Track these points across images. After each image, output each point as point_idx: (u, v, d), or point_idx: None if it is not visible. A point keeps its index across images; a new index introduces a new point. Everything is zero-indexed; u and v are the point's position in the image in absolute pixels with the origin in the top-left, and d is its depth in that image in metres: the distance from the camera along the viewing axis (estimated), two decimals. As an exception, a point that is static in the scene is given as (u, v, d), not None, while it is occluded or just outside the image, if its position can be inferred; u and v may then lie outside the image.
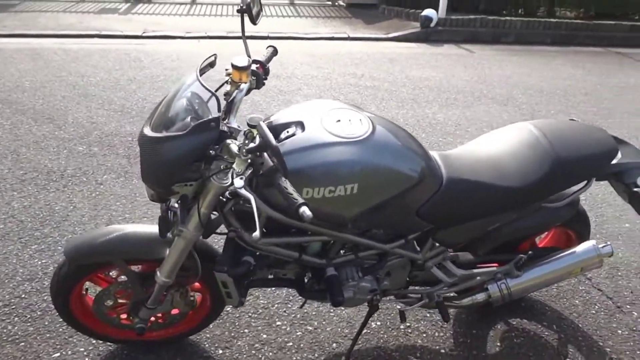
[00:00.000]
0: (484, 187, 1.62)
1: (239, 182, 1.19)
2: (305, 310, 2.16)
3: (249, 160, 1.24)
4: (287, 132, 1.44)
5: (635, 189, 1.70)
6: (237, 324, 2.08)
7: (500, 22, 7.80)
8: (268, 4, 9.60)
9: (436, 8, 7.67)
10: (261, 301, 2.20)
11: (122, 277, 1.68)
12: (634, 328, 2.17)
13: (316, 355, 1.95)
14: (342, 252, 1.69)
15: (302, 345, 1.99)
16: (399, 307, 1.90)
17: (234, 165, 1.25)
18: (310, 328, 2.08)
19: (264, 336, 2.03)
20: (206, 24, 7.67)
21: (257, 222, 1.16)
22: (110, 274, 1.75)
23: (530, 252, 1.84)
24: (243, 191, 1.19)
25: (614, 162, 1.72)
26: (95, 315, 1.73)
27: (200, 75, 1.38)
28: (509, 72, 6.03)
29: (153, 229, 1.63)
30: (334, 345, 2.00)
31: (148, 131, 1.35)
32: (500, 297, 1.86)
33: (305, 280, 1.78)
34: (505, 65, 6.35)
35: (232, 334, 2.02)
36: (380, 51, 6.71)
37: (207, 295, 1.81)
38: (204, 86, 1.34)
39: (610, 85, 5.66)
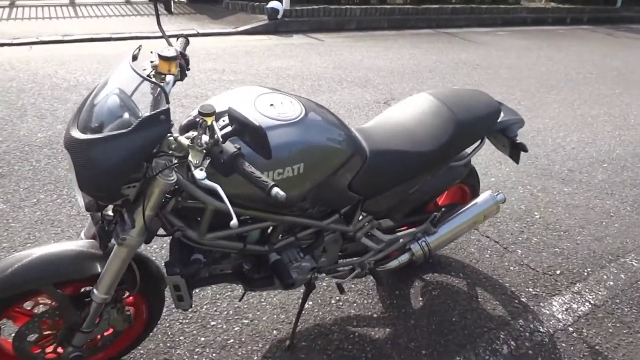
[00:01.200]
0: (403, 155, 1.76)
1: (200, 174, 1.14)
2: (237, 305, 2.12)
3: (204, 151, 1.18)
4: (223, 121, 1.40)
5: (518, 141, 1.98)
6: (169, 333, 1.96)
7: (341, 11, 8.24)
8: (103, 4, 8.91)
9: (281, 0, 7.84)
10: (188, 306, 2.11)
11: (45, 306, 1.49)
12: (521, 263, 2.52)
13: (260, 345, 1.93)
14: (280, 236, 1.70)
15: (243, 339, 1.96)
16: (335, 281, 1.96)
17: (190, 158, 1.18)
18: (247, 321, 2.05)
19: (202, 339, 1.95)
20: (33, 28, 6.87)
21: (231, 209, 1.12)
22: (26, 306, 1.53)
23: (443, 209, 2.04)
24: (207, 182, 1.14)
25: (499, 120, 1.98)
26: (17, 356, 1.51)
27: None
28: (360, 56, 6.43)
29: (75, 245, 1.47)
30: (275, 332, 2.00)
31: (78, 134, 1.21)
32: (422, 255, 2.03)
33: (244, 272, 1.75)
34: (354, 50, 6.76)
35: (168, 345, 1.91)
36: (234, 45, 6.68)
37: (143, 307, 1.68)
38: (144, 78, 1.24)
39: (447, 62, 6.37)
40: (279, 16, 7.73)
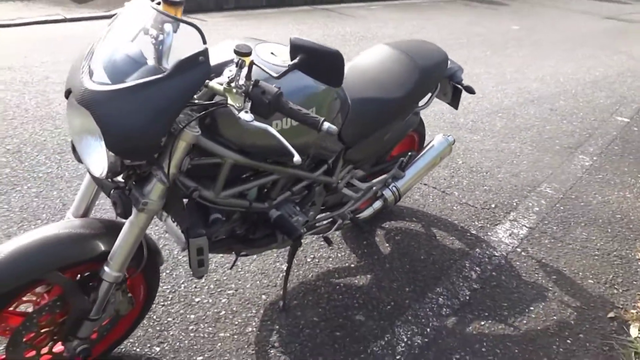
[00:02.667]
0: (380, 102, 1.83)
1: (248, 116, 1.09)
2: (215, 278, 2.05)
3: (244, 93, 1.13)
4: (230, 70, 1.34)
5: (466, 85, 2.16)
6: (154, 317, 1.85)
7: (219, -10, 8.03)
8: None
9: (152, -20, 7.40)
10: (165, 287, 1.99)
11: (48, 296, 1.33)
12: (461, 202, 2.76)
13: (254, 311, 1.91)
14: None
15: (234, 309, 1.91)
16: (322, 235, 1.99)
17: (229, 102, 1.12)
18: (231, 292, 2.00)
19: (192, 316, 1.87)
20: None
21: (289, 148, 1.10)
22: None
23: (409, 153, 2.16)
24: (256, 123, 1.10)
25: (448, 66, 2.14)
26: None
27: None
28: (249, 34, 6.34)
29: (70, 226, 1.32)
30: (263, 297, 1.98)
31: (98, 85, 1.09)
32: (394, 199, 2.13)
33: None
34: (242, 29, 6.65)
35: (158, 329, 1.80)
36: (112, 29, 6.18)
37: (141, 288, 1.57)
38: (175, 18, 1.15)
39: (335, 35, 6.55)
40: (154, -2, 7.32)
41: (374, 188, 2.10)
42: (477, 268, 2.23)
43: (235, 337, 1.79)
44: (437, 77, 2.07)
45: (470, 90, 2.15)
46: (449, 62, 2.15)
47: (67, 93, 1.21)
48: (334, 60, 1.16)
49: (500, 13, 9.36)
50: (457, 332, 1.88)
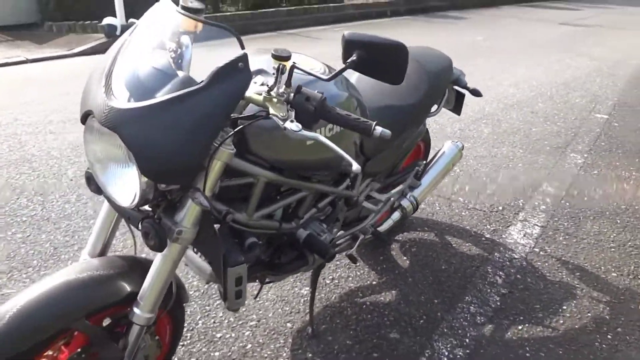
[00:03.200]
0: (397, 109, 1.77)
1: (294, 126, 1.00)
2: (232, 314, 1.92)
3: (285, 102, 1.04)
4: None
5: (473, 88, 2.12)
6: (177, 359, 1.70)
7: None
8: None
9: (113, 16, 7.28)
10: (182, 325, 1.85)
11: (68, 349, 1.18)
12: (468, 207, 2.71)
13: (282, 341, 1.78)
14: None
15: (260, 340, 1.78)
16: (345, 253, 1.88)
17: (272, 112, 1.03)
18: (254, 323, 1.87)
19: (216, 354, 1.72)
20: None
21: (346, 156, 1.01)
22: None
23: (423, 162, 2.09)
24: (305, 132, 1.01)
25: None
26: None
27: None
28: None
29: (90, 267, 1.18)
30: (289, 325, 1.86)
31: (126, 103, 0.98)
32: (412, 209, 2.06)
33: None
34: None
35: (182, 370, 1.65)
36: (78, 68, 6.01)
37: (167, 329, 1.43)
38: (210, 23, 1.05)
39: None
40: (118, 32, 7.17)
41: (392, 199, 2.03)
42: (500, 272, 2.16)
43: (268, 370, 1.66)
44: (446, 83, 2.03)
45: (476, 93, 2.12)
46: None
47: (85, 117, 1.09)
48: (399, 53, 1.09)
49: (463, 26, 9.60)
50: (497, 339, 1.80)
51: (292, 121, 1.01)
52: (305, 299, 1.98)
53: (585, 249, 2.35)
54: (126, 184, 1.03)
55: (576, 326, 1.87)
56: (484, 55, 6.75)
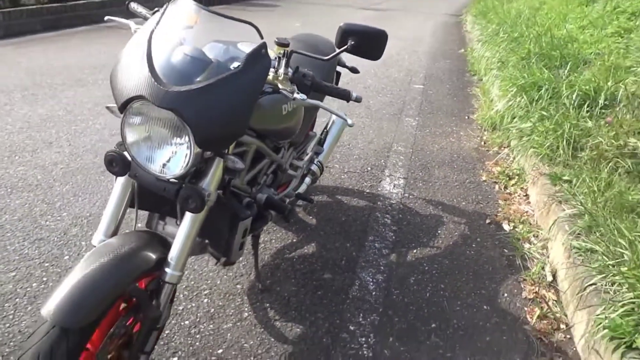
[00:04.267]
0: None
1: (302, 95, 1.32)
2: (185, 286, 2.10)
3: (289, 79, 1.35)
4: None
5: (352, 66, 2.56)
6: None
7: (-20, 18, 7.03)
8: None
9: None
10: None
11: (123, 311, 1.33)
12: (344, 171, 3.22)
13: (239, 300, 2.04)
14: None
15: (220, 303, 2.01)
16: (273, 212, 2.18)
17: (280, 87, 1.33)
18: (207, 291, 2.08)
19: (187, 322, 1.92)
20: None
21: (342, 115, 1.35)
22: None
23: (324, 129, 2.50)
24: (311, 100, 1.34)
25: None
26: None
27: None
28: (43, 60, 5.80)
29: (118, 243, 1.33)
30: (239, 286, 2.12)
31: (176, 87, 1.17)
32: (320, 172, 2.45)
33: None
34: (32, 56, 6.02)
35: (163, 343, 1.82)
36: None
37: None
38: (232, 18, 1.28)
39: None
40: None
41: (306, 165, 2.40)
42: (387, 215, 2.70)
43: (238, 324, 1.92)
44: (336, 62, 2.45)
45: (354, 70, 2.57)
46: None
47: (126, 103, 1.24)
48: (381, 37, 1.45)
49: (280, 13, 10.18)
50: (402, 262, 2.32)
51: (298, 93, 1.33)
52: (243, 263, 2.26)
53: (439, 189, 3.03)
54: (176, 156, 1.23)
55: (451, 243, 2.49)
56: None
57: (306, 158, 2.39)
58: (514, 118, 3.63)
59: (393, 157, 3.46)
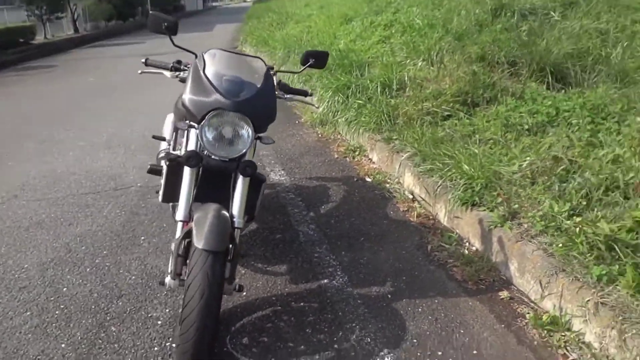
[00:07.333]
0: None
1: (287, 95, 2.20)
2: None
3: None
4: None
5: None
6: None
7: None
8: None
9: None
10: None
11: None
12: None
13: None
14: None
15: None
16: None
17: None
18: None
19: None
20: None
21: (313, 102, 2.22)
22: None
23: None
24: (288, 96, 2.22)
25: None
26: None
27: None
28: None
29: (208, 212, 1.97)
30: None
31: (237, 97, 1.94)
32: None
33: None
34: None
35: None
36: None
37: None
38: (244, 54, 2.02)
39: None
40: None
41: None
42: (289, 193, 3.59)
43: (242, 277, 2.59)
44: None
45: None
46: None
47: (204, 115, 1.93)
48: (325, 55, 2.33)
49: (65, 72, 10.00)
50: (319, 215, 3.24)
51: (283, 94, 2.18)
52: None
53: (311, 169, 4.03)
54: (241, 140, 1.96)
55: (342, 196, 3.51)
56: (118, 89, 7.70)
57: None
58: (337, 112, 4.86)
59: (264, 158, 4.34)
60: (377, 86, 4.54)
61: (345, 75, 5.21)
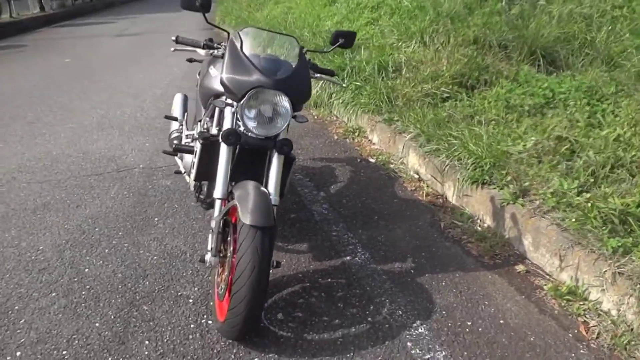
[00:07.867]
0: None
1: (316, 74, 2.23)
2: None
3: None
4: None
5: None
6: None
7: None
8: None
9: None
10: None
11: None
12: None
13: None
14: None
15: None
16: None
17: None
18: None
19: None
20: None
21: (339, 81, 2.26)
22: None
23: None
24: (317, 75, 2.25)
25: None
26: None
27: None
28: None
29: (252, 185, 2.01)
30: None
31: (276, 75, 1.96)
32: None
33: None
34: None
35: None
36: None
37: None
38: (279, 32, 2.05)
39: None
40: None
41: None
42: (295, 174, 3.62)
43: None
44: None
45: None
46: None
47: (244, 93, 1.94)
48: (354, 35, 2.35)
49: (38, 52, 9.63)
50: (330, 194, 3.29)
51: (313, 73, 2.21)
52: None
53: (314, 150, 4.07)
54: (281, 117, 1.98)
55: (349, 176, 3.56)
56: (98, 70, 7.49)
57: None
58: (333, 94, 4.89)
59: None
60: (375, 68, 4.58)
61: (338, 57, 5.22)
